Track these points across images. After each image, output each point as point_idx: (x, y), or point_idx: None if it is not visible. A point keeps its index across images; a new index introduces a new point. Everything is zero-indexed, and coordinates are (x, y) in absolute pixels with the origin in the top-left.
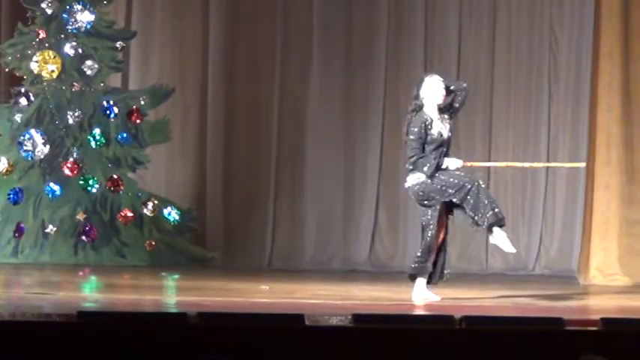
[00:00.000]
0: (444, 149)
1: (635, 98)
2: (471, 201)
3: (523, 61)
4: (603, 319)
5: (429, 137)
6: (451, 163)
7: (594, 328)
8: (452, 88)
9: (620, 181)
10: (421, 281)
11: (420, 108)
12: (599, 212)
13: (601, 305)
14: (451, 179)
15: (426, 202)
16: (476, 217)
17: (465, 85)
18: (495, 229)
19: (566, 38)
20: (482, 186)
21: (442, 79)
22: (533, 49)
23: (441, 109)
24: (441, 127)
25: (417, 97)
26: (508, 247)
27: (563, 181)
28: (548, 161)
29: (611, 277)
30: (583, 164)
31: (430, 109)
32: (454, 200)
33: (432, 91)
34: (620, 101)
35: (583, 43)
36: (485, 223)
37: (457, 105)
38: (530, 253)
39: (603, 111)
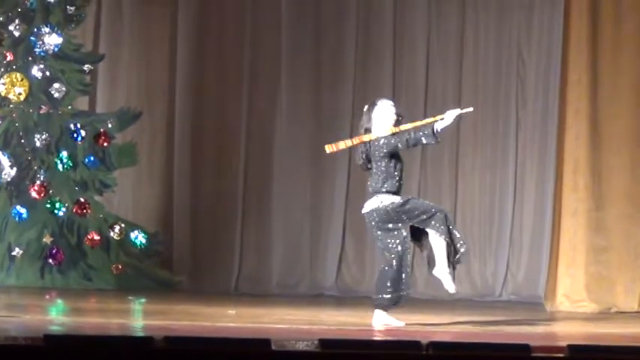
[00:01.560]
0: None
1: (602, 125)
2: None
3: (490, 87)
4: (570, 346)
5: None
6: None
7: (561, 355)
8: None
9: (587, 207)
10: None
11: (368, 130)
12: (567, 239)
13: (568, 332)
14: None
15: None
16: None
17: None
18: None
19: (534, 64)
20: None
21: (393, 104)
22: (501, 75)
23: None
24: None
25: (369, 119)
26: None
27: (531, 207)
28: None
29: (579, 304)
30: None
31: (378, 132)
32: None
33: (384, 115)
34: (587, 128)
35: (551, 69)
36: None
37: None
38: (497, 279)
39: (571, 138)
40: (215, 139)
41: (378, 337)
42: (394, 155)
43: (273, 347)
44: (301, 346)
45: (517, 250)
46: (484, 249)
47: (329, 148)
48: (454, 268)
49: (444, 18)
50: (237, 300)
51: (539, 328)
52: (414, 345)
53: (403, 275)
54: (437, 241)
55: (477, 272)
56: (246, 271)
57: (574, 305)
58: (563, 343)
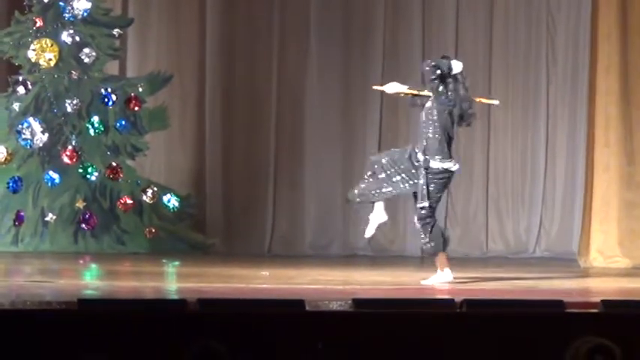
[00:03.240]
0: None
1: (633, 80)
2: None
3: (521, 45)
4: (604, 302)
5: None
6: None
7: (595, 311)
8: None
9: (619, 162)
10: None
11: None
12: (599, 194)
13: (602, 287)
14: None
15: None
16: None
17: (445, 61)
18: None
19: (564, 19)
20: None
21: (426, 62)
22: (530, 32)
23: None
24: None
25: None
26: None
27: (563, 163)
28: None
29: (612, 260)
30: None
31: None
32: None
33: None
34: (618, 83)
35: (580, 26)
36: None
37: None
38: (530, 235)
39: (602, 93)
40: (246, 101)
41: (411, 296)
42: None
43: (307, 308)
44: (335, 306)
45: (550, 207)
46: (517, 206)
47: None
48: None
49: None
50: (271, 261)
51: (573, 284)
52: (448, 303)
53: None
54: None
55: (510, 229)
56: (279, 232)
57: (607, 261)
58: (597, 299)
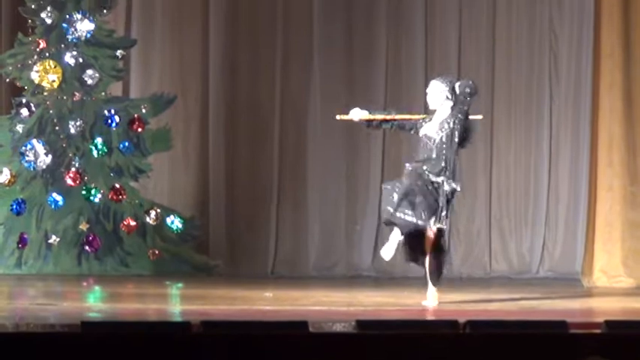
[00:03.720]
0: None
1: (637, 99)
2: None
3: (523, 62)
4: (607, 322)
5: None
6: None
7: (598, 331)
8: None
9: (622, 182)
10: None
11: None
12: (603, 214)
13: (605, 307)
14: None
15: None
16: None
17: (470, 82)
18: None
19: (567, 37)
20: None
21: (440, 80)
22: (533, 49)
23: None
24: (429, 128)
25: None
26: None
27: (566, 182)
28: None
29: (615, 279)
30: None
31: (431, 112)
32: None
33: (428, 96)
34: (621, 102)
35: (583, 43)
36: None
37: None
38: (533, 256)
39: (605, 112)
40: (249, 121)
41: (415, 318)
42: None
43: (311, 329)
44: (339, 327)
45: (553, 227)
46: (520, 226)
47: None
48: None
49: None
50: (274, 283)
51: (576, 304)
52: (452, 324)
53: None
54: None
55: (514, 249)
56: (283, 253)
57: (611, 281)
58: (601, 319)
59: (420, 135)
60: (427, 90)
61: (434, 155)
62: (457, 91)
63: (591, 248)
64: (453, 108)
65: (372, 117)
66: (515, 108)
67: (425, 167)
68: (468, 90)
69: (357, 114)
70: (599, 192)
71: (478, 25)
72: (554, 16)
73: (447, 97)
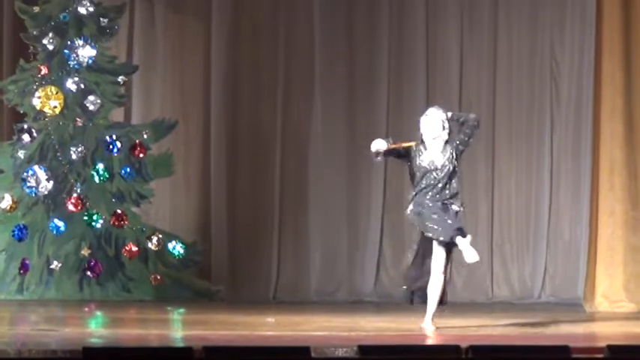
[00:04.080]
0: (436, 177)
1: (638, 124)
2: None
3: (525, 87)
4: (609, 347)
5: (414, 166)
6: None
7: (600, 356)
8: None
9: (624, 207)
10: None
11: (421, 141)
12: (604, 239)
13: (607, 332)
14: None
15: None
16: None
17: (472, 116)
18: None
19: (567, 63)
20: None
21: (442, 111)
22: (534, 74)
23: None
24: (434, 157)
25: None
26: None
27: (567, 208)
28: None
29: (617, 304)
30: None
31: (426, 141)
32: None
33: (425, 124)
34: (622, 127)
35: (584, 68)
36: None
37: (462, 136)
38: (535, 281)
39: (606, 137)
40: (250, 147)
41: (417, 343)
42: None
43: (313, 354)
44: (341, 352)
45: (554, 252)
46: (522, 251)
47: None
48: None
49: (476, 20)
50: (276, 308)
51: (579, 329)
52: (454, 349)
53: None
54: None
55: (515, 275)
56: (285, 279)
57: (613, 305)
58: (603, 344)
59: (423, 165)
60: (425, 118)
61: (440, 185)
62: (462, 119)
63: (593, 273)
64: (450, 136)
65: (393, 145)
66: (516, 133)
67: (438, 196)
68: (476, 123)
69: (382, 144)
70: (601, 217)
71: (479, 50)
72: (556, 42)
73: (444, 127)
